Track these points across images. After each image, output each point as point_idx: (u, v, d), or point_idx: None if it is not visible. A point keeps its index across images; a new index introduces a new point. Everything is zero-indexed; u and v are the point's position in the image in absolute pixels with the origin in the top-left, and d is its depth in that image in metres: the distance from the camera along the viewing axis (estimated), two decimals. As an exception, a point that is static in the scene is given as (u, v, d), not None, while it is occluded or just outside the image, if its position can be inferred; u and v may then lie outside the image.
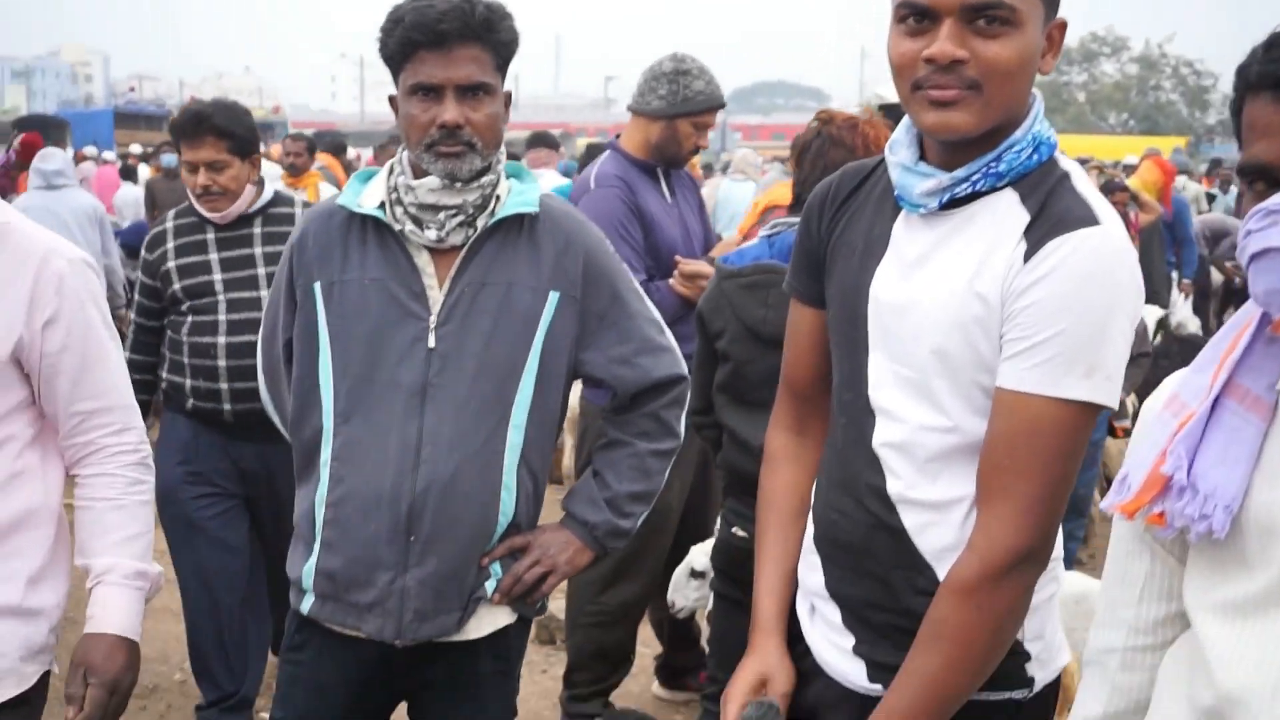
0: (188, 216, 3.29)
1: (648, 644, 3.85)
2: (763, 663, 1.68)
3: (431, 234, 1.98)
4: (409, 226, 1.99)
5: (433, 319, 1.99)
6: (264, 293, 3.11)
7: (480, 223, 2.00)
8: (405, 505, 1.96)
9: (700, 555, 3.24)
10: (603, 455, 2.18)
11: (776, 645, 1.68)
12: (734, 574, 2.66)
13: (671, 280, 3.35)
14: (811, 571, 1.66)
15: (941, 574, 1.49)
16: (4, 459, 1.84)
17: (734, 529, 2.66)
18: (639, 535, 2.33)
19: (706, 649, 3.84)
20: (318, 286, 2.02)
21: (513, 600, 2.08)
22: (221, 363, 3.12)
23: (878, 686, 1.54)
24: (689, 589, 3.27)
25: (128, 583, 1.89)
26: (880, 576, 1.55)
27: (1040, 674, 1.55)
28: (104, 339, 1.92)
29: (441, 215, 1.97)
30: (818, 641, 1.64)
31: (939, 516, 1.51)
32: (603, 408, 2.32)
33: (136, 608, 1.91)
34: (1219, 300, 9.90)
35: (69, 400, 1.88)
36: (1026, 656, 1.53)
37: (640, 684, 3.85)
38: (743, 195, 9.42)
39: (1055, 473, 1.42)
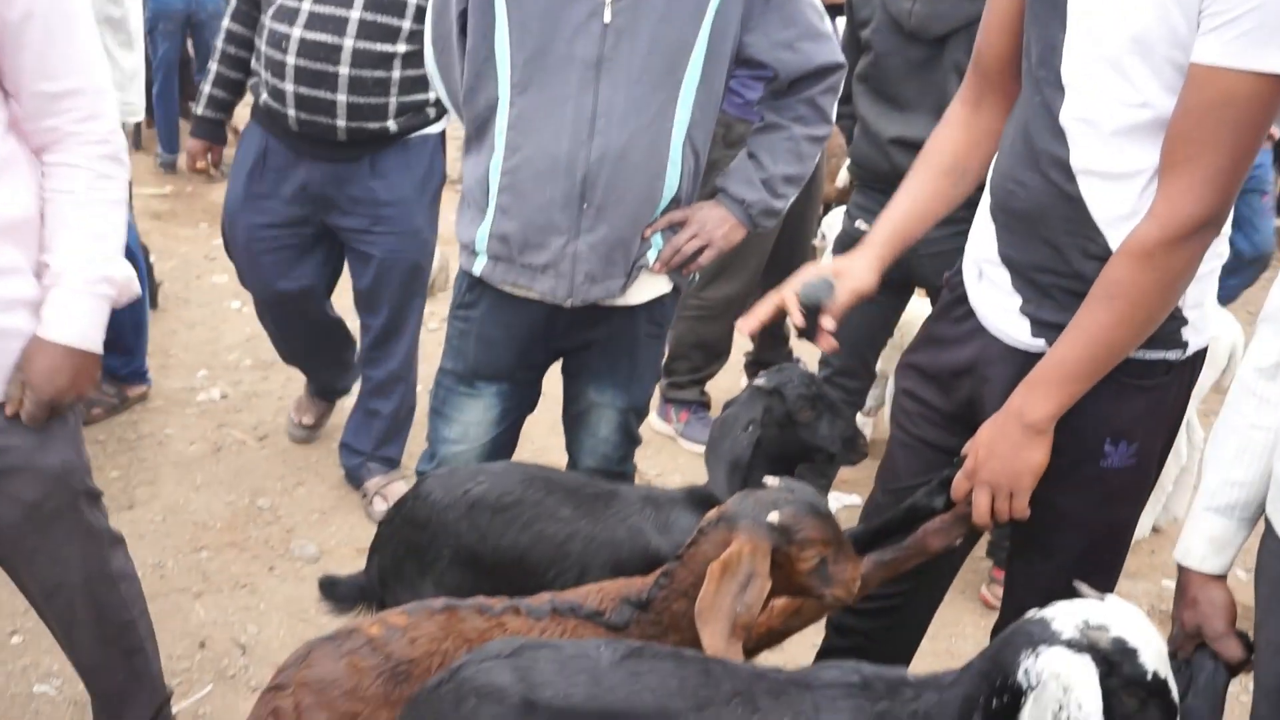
0: None
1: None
2: (847, 261, 1.84)
3: None
4: None
5: None
6: None
7: None
8: (580, 173, 2.07)
9: None
10: (759, 138, 2.27)
11: (869, 257, 1.83)
12: (855, 265, 2.79)
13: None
14: (984, 239, 1.77)
15: (1112, 240, 1.60)
16: None
17: (856, 222, 2.76)
18: None
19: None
20: None
21: (671, 270, 2.23)
22: (290, 59, 2.83)
23: (1040, 342, 1.68)
24: None
25: (87, 288, 1.78)
26: (1052, 242, 1.66)
27: (1194, 339, 1.68)
28: (72, 11, 1.76)
29: None
30: (982, 303, 1.78)
31: (1117, 186, 1.59)
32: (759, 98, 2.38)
33: (95, 316, 1.80)
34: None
35: (34, 77, 1.73)
36: (1184, 321, 1.66)
37: (730, 378, 4.08)
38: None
39: (1242, 144, 1.49)
